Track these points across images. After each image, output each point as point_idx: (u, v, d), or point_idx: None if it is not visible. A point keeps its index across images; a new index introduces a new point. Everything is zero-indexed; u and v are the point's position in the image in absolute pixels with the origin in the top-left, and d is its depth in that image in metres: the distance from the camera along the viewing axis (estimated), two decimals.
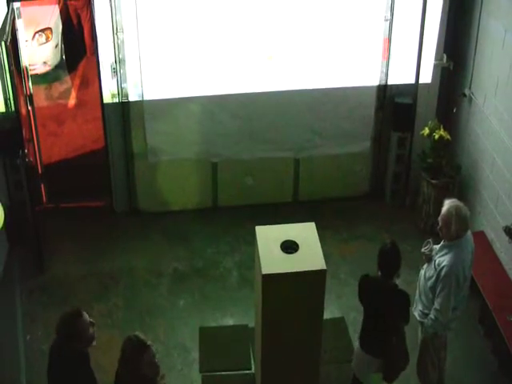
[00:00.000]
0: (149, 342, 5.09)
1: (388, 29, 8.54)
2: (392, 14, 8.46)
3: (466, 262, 6.18)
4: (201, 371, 7.31)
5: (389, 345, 6.10)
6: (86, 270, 8.41)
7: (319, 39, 8.49)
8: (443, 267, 6.10)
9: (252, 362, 7.34)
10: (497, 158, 8.04)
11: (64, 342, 5.25)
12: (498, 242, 7.98)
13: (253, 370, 7.27)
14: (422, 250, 6.38)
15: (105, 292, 8.13)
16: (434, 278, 6.19)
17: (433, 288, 6.21)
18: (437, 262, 6.20)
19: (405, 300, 6.06)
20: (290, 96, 8.80)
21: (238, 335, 7.68)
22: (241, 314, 7.87)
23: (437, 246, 6.30)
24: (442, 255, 6.18)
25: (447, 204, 6.18)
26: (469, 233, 6.25)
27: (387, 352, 6.12)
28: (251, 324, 7.42)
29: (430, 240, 6.41)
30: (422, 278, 6.41)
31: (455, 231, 6.11)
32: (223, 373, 7.33)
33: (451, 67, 8.88)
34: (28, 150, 8.14)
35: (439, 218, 6.20)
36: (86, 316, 5.24)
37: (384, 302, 6.09)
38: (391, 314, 6.07)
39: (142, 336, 5.11)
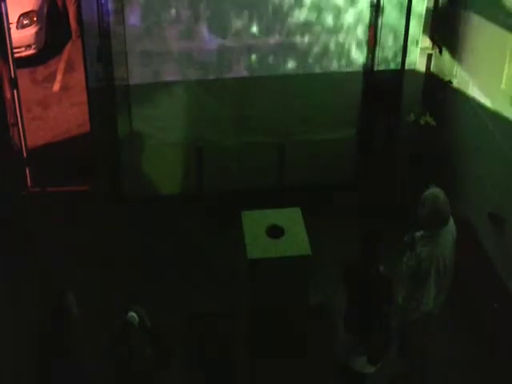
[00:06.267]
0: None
1: (374, 14, 8.54)
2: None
3: (446, 251, 6.21)
4: None
5: (372, 327, 6.14)
6: (70, 255, 8.38)
7: (305, 25, 8.48)
8: (422, 259, 6.13)
9: None
10: (482, 144, 8.06)
11: (52, 328, 5.29)
12: (483, 228, 8.02)
13: None
14: (405, 239, 6.41)
15: (90, 279, 8.10)
16: (414, 268, 6.23)
17: (414, 277, 6.25)
18: (418, 251, 6.22)
19: (388, 286, 6.11)
20: (277, 81, 8.79)
21: None
22: (227, 298, 7.89)
23: (419, 234, 6.30)
24: (423, 245, 6.20)
25: (428, 194, 6.19)
26: (451, 221, 6.27)
27: (371, 335, 6.16)
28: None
29: (412, 229, 6.41)
30: (404, 265, 6.43)
31: (436, 221, 6.13)
32: None
33: (437, 53, 8.89)
34: (12, 134, 8.10)
35: (420, 209, 6.20)
36: (71, 295, 5.30)
37: (368, 288, 6.13)
38: (375, 299, 6.11)
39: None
